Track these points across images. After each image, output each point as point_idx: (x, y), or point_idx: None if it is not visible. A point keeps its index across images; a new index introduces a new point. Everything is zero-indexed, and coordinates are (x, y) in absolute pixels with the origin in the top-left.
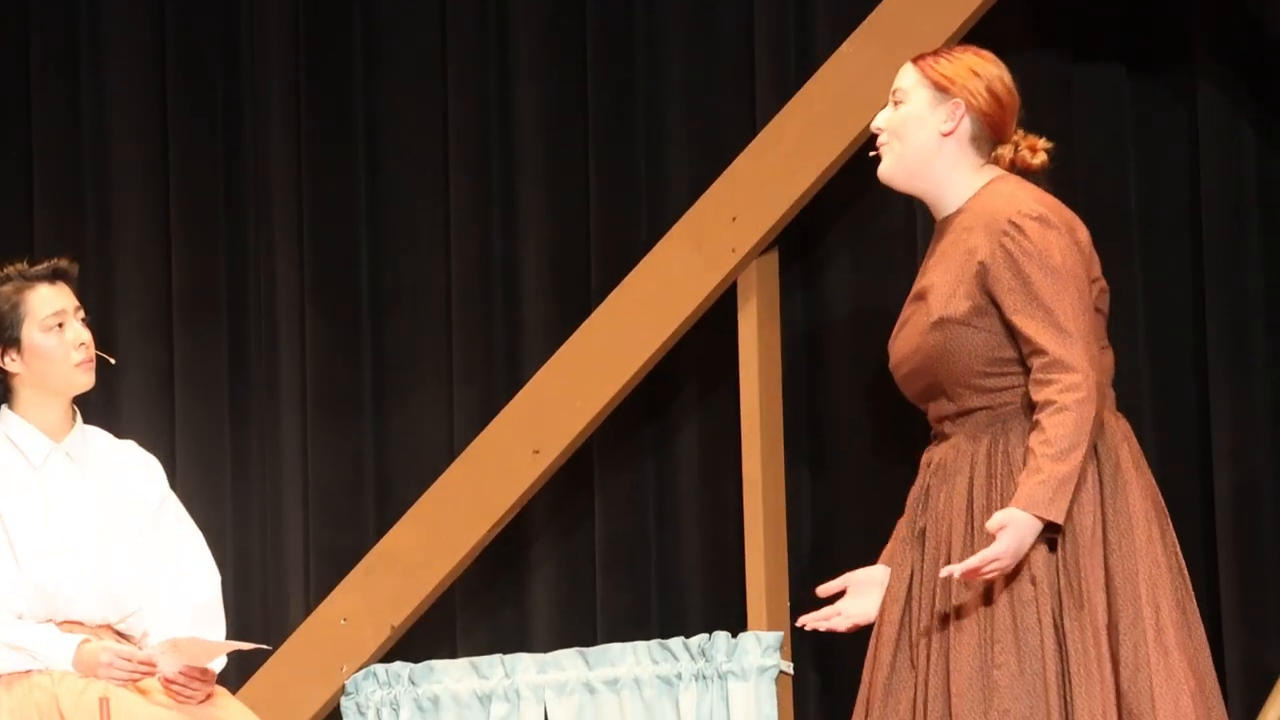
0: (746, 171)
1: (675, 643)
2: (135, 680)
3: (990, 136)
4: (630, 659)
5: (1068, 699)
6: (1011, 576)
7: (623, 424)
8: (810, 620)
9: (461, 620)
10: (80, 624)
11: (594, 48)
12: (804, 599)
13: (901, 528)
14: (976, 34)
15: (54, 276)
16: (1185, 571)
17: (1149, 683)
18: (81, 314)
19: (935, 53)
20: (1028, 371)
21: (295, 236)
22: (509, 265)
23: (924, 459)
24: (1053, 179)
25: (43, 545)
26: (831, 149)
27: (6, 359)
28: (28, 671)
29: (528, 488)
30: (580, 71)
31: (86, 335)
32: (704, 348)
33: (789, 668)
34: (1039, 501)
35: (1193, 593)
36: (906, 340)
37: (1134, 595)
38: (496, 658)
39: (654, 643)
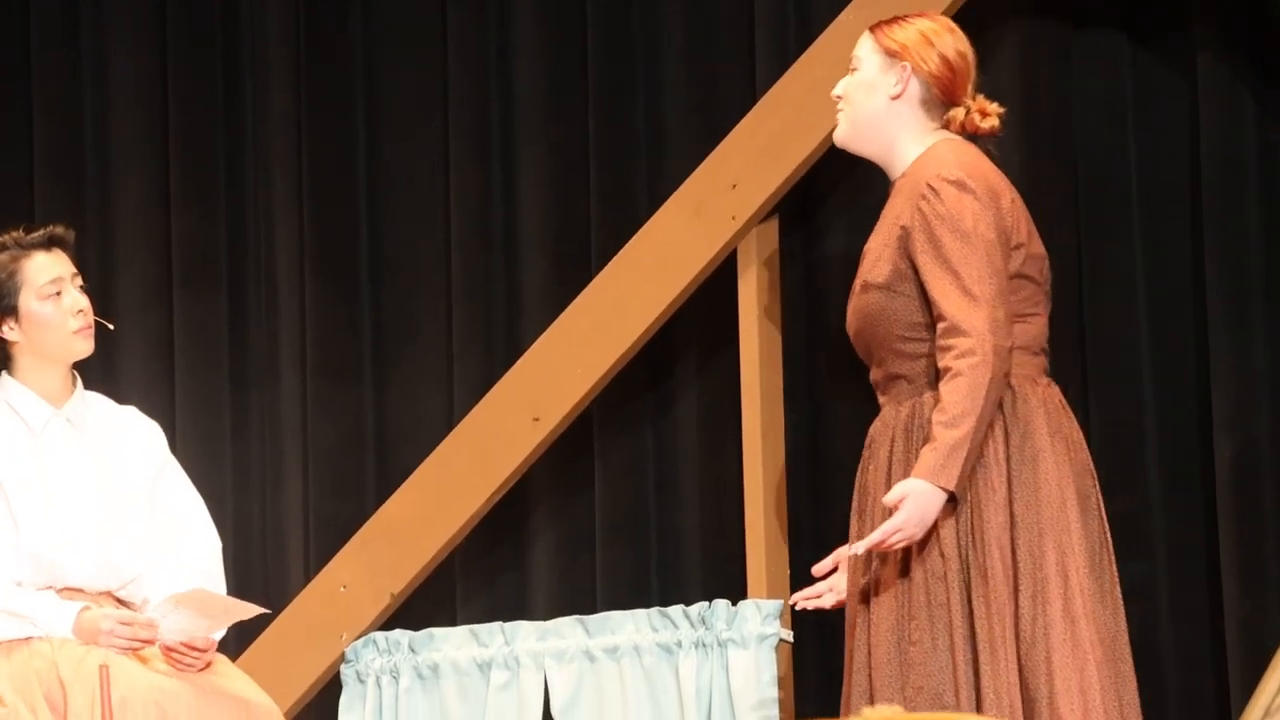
0: (746, 139)
1: (675, 611)
2: (136, 648)
3: (941, 100)
4: (630, 627)
5: (978, 674)
6: (924, 551)
7: (623, 391)
8: (800, 599)
9: (461, 588)
10: (80, 591)
11: (593, 15)
12: (804, 567)
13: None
14: (977, 3)
15: (50, 243)
16: (1109, 542)
17: (1046, 653)
18: (79, 281)
19: (891, 20)
20: None
21: (295, 204)
22: (509, 232)
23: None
24: (1051, 147)
25: (43, 511)
26: (831, 116)
27: (4, 327)
28: (27, 639)
29: (527, 455)
30: (580, 39)
31: (84, 302)
32: (704, 315)
33: (789, 636)
34: (931, 468)
35: (1114, 563)
36: (850, 304)
37: (1038, 565)
38: (496, 625)
39: (654, 611)
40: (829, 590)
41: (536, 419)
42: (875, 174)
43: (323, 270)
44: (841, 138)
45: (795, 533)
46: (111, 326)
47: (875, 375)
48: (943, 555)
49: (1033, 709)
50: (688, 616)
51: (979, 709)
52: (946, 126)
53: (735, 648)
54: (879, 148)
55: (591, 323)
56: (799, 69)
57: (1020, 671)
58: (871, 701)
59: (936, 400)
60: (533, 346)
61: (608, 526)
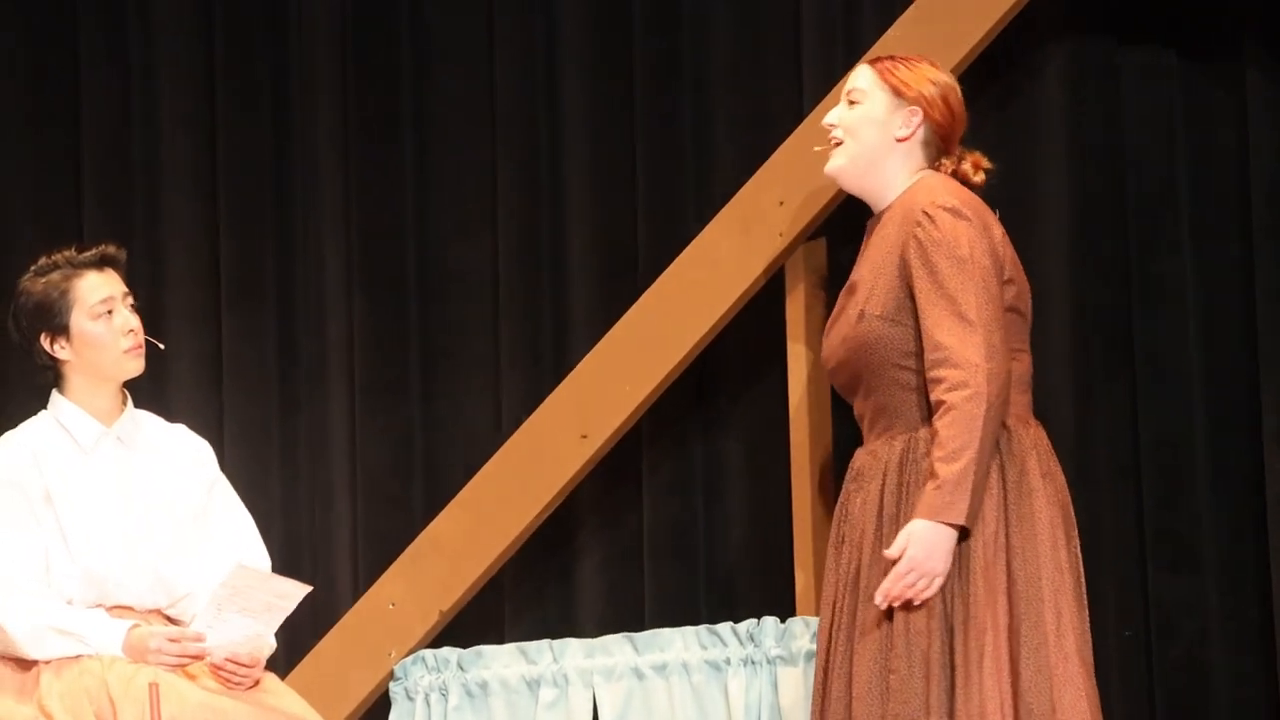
0: (794, 156)
1: (724, 628)
2: (185, 665)
3: (939, 146)
4: (678, 644)
5: (956, 697)
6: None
7: (671, 408)
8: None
9: (509, 605)
10: (130, 609)
11: (641, 32)
12: None
13: (831, 535)
14: (1022, 17)
15: (102, 263)
16: (1084, 583)
17: (1049, 684)
18: (130, 300)
19: (891, 58)
20: None
21: (343, 223)
22: (556, 250)
23: (851, 461)
24: (1100, 163)
25: (93, 530)
26: None
27: (56, 346)
28: (77, 657)
29: (575, 473)
30: (627, 56)
31: (135, 321)
32: (751, 332)
33: None
34: (937, 507)
35: (1086, 604)
36: (836, 333)
37: (1037, 599)
38: (545, 643)
39: (702, 628)
40: None
41: (584, 436)
42: None
43: (370, 288)
44: (837, 169)
45: None
46: (162, 346)
47: (862, 407)
48: (970, 580)
49: None
50: (736, 634)
51: None
52: (935, 169)
53: (784, 665)
54: (874, 184)
55: (639, 340)
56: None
57: (1019, 698)
58: None
59: (932, 435)
60: (581, 363)
61: (656, 543)
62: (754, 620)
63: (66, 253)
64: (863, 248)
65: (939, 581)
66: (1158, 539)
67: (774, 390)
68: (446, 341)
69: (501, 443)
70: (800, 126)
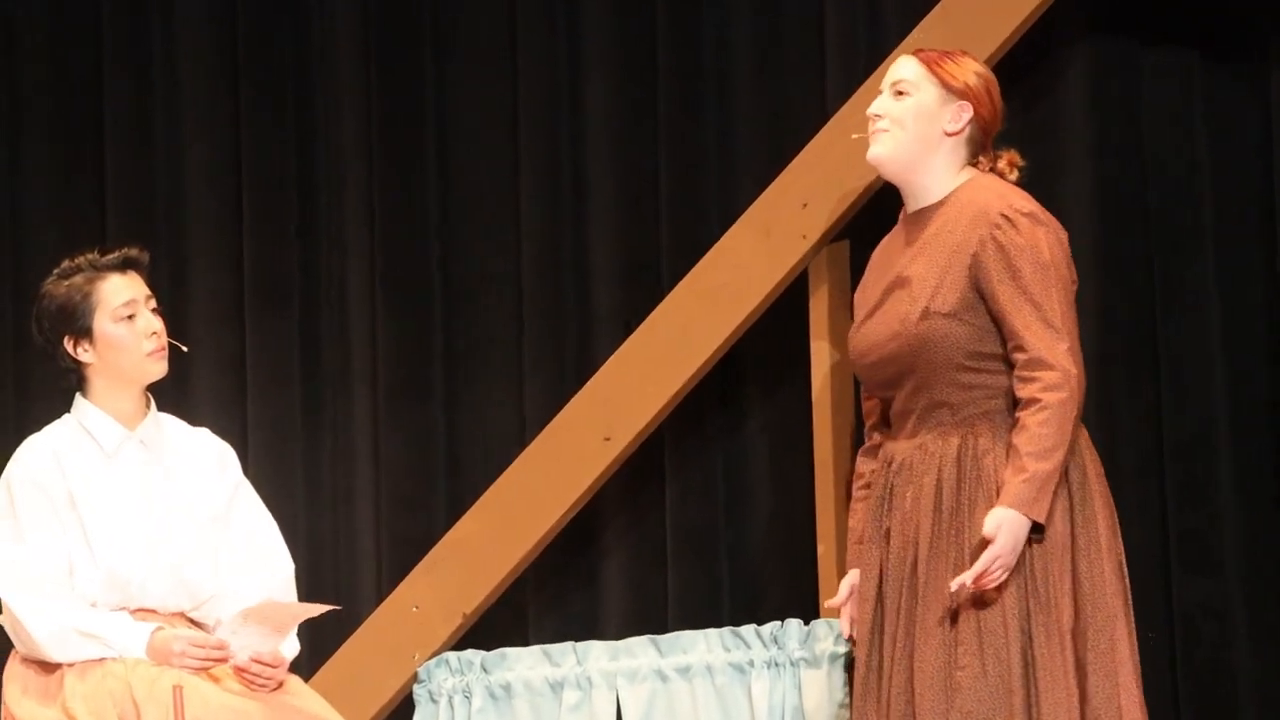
0: (817, 158)
1: (747, 630)
2: (208, 668)
3: (980, 141)
4: (702, 646)
5: (1033, 703)
6: (972, 579)
7: (694, 411)
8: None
9: (533, 608)
10: (153, 612)
11: (663, 35)
12: None
13: (860, 529)
14: (1046, 20)
15: (125, 266)
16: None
17: (1115, 690)
18: (153, 303)
19: (939, 53)
20: (1008, 368)
21: (366, 226)
22: (580, 253)
23: (882, 456)
24: (1123, 163)
25: (116, 533)
26: None
27: (79, 349)
28: (101, 659)
29: (599, 475)
30: (650, 59)
31: (158, 324)
32: (775, 335)
33: None
34: (1025, 500)
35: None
36: (880, 328)
37: (1102, 601)
38: (568, 645)
39: (726, 630)
40: (851, 621)
41: (608, 438)
42: None
43: (394, 291)
44: (882, 157)
45: None
46: (185, 349)
47: (907, 402)
48: (999, 586)
49: None
50: (760, 636)
51: None
52: (975, 167)
53: (808, 667)
54: (917, 176)
55: (662, 342)
56: (869, 87)
57: (1086, 702)
58: None
59: (991, 431)
60: (604, 366)
61: (679, 545)
62: (777, 622)
63: (89, 255)
64: (902, 243)
65: (1006, 575)
66: (1181, 540)
67: (797, 392)
68: (469, 344)
69: (525, 445)
70: (823, 129)
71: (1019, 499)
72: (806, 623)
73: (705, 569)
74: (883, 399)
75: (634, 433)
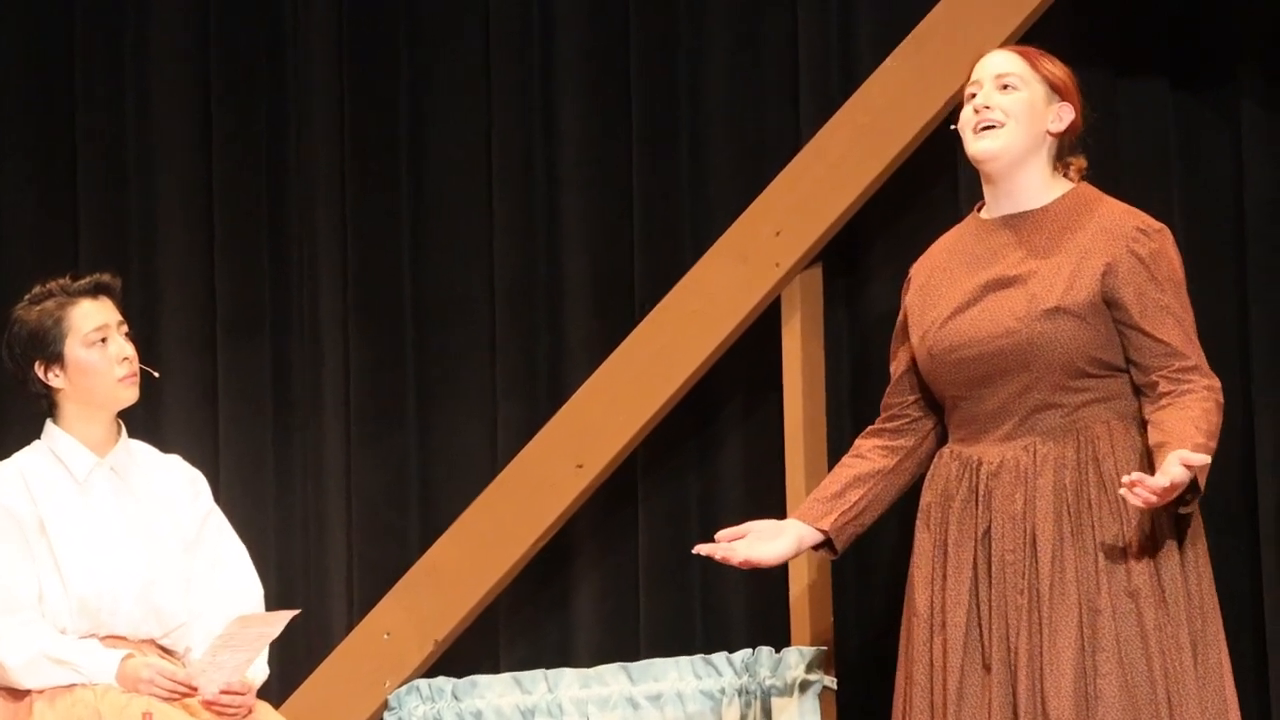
0: (790, 186)
1: (719, 658)
2: (176, 700)
3: (1068, 146)
4: (674, 674)
5: (1171, 714)
6: (1111, 584)
7: (667, 438)
8: (703, 548)
9: (504, 635)
10: (123, 639)
11: (637, 62)
12: (847, 613)
13: (833, 486)
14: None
15: (96, 291)
16: None
17: (1224, 700)
18: (125, 329)
19: (1037, 52)
20: (1119, 376)
21: (339, 251)
22: (553, 279)
23: (968, 457)
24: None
25: (87, 560)
26: (875, 163)
27: (50, 374)
28: (71, 686)
29: (571, 502)
30: (624, 85)
31: (129, 350)
32: (748, 362)
33: (832, 683)
34: (1203, 466)
35: None
36: (984, 323)
37: (1206, 612)
38: (540, 672)
39: (697, 658)
40: (732, 550)
41: (580, 466)
42: (919, 221)
43: (366, 317)
44: (997, 150)
45: (839, 579)
46: (157, 374)
47: (1008, 402)
48: (1132, 594)
49: None
50: (731, 663)
51: None
52: (1065, 173)
53: (779, 695)
54: (1022, 174)
55: (636, 369)
56: (842, 116)
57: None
58: None
59: (1108, 436)
60: (576, 393)
61: (651, 573)
62: (749, 650)
63: (61, 281)
64: (996, 244)
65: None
66: None
67: (770, 420)
68: (442, 371)
69: (497, 472)
70: (796, 157)
71: (1203, 464)
72: (778, 650)
73: (677, 596)
74: (956, 397)
75: (606, 460)
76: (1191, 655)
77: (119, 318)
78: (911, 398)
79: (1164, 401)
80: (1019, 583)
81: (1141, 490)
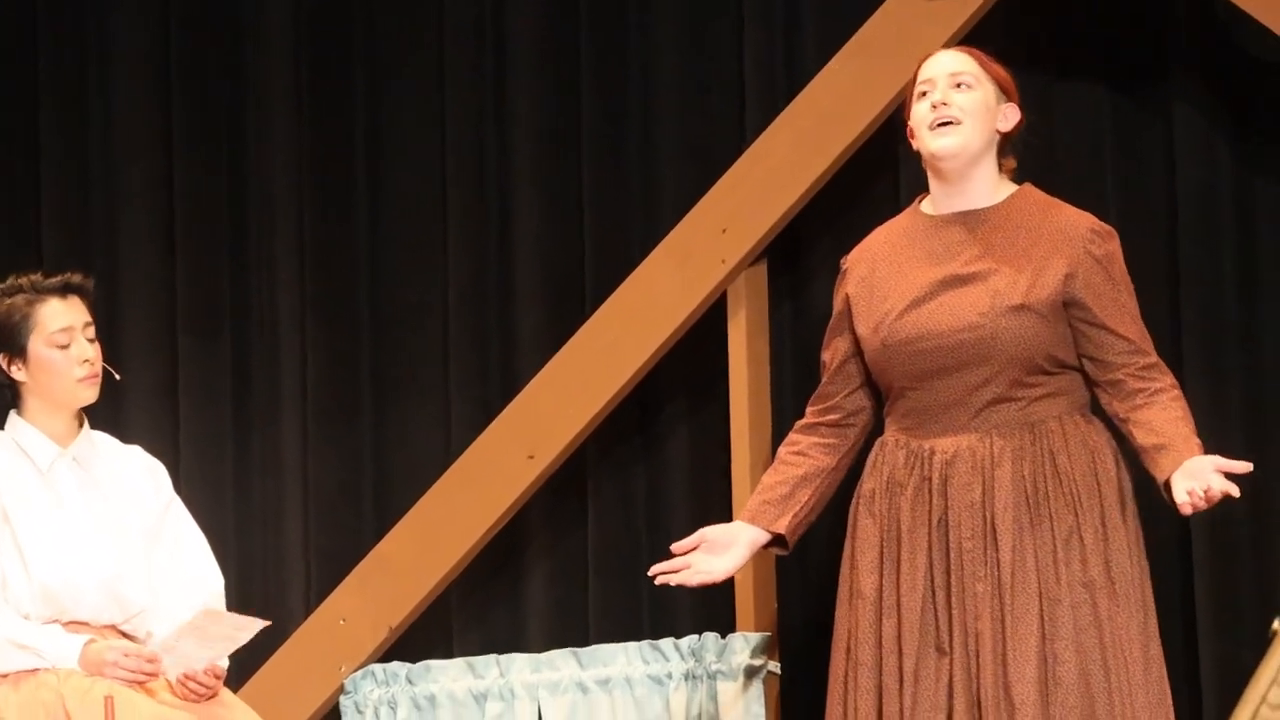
0: (736, 184)
1: (666, 643)
2: (141, 681)
3: (1007, 147)
4: (622, 659)
5: (1118, 701)
6: (1069, 575)
7: (616, 430)
8: (659, 572)
9: (458, 621)
10: (86, 624)
11: (587, 63)
12: (791, 601)
13: (775, 487)
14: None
15: (66, 291)
16: None
17: (1162, 684)
18: (91, 330)
19: (982, 52)
20: (1070, 373)
21: (297, 250)
22: (505, 277)
23: (916, 447)
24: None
25: (49, 548)
26: (819, 162)
27: (13, 367)
28: (34, 670)
29: (522, 492)
30: (574, 87)
31: (91, 352)
32: (694, 357)
33: (776, 668)
34: (1240, 470)
35: None
36: (944, 317)
37: (1147, 604)
38: (492, 658)
39: (645, 643)
40: (688, 567)
41: (531, 456)
42: (863, 218)
43: (323, 315)
44: (957, 147)
45: (782, 567)
46: (119, 377)
47: (965, 395)
48: (1087, 585)
49: None
50: (678, 649)
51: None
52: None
53: (724, 679)
54: (975, 171)
55: (585, 364)
56: (787, 117)
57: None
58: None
59: (1061, 431)
60: (528, 387)
61: (600, 561)
62: (695, 636)
63: (33, 277)
64: (947, 240)
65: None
66: None
67: (716, 412)
68: (398, 367)
69: (450, 464)
70: (742, 156)
71: (1237, 468)
72: (723, 636)
73: (626, 584)
74: (905, 388)
75: (556, 451)
76: (1140, 646)
77: (86, 318)
78: (850, 388)
79: (1139, 400)
80: (978, 570)
81: (1201, 500)
